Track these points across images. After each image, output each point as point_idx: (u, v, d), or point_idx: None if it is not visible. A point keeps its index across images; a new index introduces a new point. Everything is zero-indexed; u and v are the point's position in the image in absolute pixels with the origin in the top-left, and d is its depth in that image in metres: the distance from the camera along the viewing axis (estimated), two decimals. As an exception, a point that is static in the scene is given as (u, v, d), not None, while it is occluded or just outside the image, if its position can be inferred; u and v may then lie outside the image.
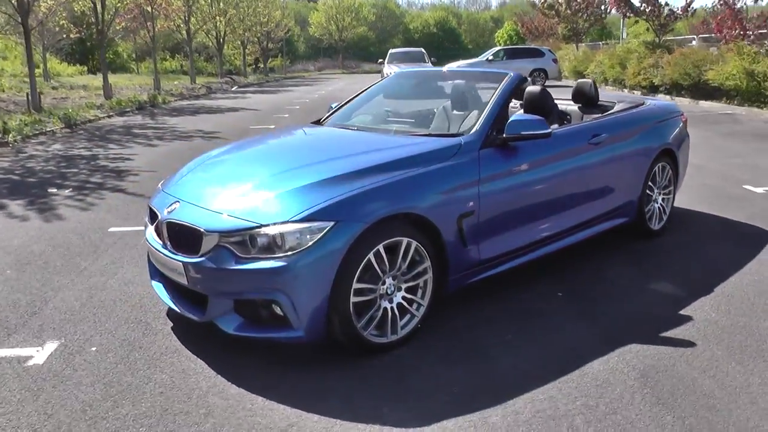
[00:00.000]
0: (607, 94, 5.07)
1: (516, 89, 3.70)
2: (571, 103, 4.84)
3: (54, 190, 6.67)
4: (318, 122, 4.41)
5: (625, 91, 20.59)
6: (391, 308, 2.93)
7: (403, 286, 2.98)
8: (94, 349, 3.09)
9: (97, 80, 21.70)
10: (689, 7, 20.92)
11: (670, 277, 3.94)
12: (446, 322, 3.27)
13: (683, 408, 2.53)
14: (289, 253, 2.63)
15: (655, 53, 19.24)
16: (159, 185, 3.68)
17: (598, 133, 3.98)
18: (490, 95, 3.73)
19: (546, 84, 24.16)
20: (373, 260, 2.79)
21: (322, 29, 51.14)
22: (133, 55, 35.14)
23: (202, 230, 2.78)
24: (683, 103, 15.81)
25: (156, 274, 3.35)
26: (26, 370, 2.91)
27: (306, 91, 23.33)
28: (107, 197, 6.31)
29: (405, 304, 2.99)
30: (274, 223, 2.67)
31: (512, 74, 3.77)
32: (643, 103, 4.73)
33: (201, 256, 2.78)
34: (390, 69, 19.82)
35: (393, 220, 2.84)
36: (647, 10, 20.90)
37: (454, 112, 3.91)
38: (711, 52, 16.22)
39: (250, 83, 29.42)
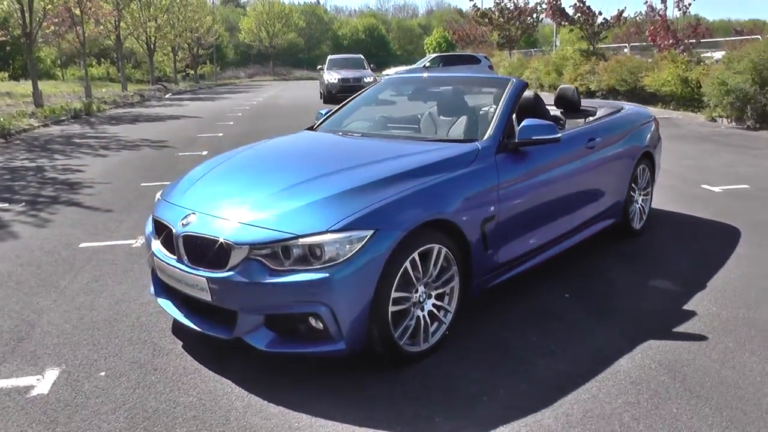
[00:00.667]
0: (585, 100, 5.19)
1: (521, 94, 3.74)
2: (554, 107, 4.96)
3: (5, 205, 6.19)
4: (311, 129, 4.30)
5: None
6: (423, 316, 2.89)
7: (433, 293, 2.94)
8: (102, 373, 2.87)
9: (20, 87, 20.44)
10: (621, 16, 22.02)
11: (663, 274, 4.08)
12: (468, 328, 3.25)
13: (716, 399, 2.62)
14: (330, 263, 2.53)
15: (591, 60, 20.11)
16: (158, 195, 3.48)
17: (593, 137, 4.09)
18: (490, 100, 3.76)
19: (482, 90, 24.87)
20: (409, 268, 2.73)
21: (252, 35, 50.28)
22: (58, 61, 33.30)
23: (230, 243, 2.64)
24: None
25: (163, 291, 3.16)
26: (31, 401, 2.66)
27: (243, 98, 22.84)
28: (66, 211, 5.91)
29: (435, 311, 2.95)
30: (312, 234, 2.57)
31: (515, 80, 3.81)
32: (622, 108, 4.91)
33: (229, 270, 2.63)
34: (330, 75, 19.71)
35: (425, 227, 2.79)
36: (581, 19, 21.82)
37: (458, 118, 3.91)
38: (646, 60, 17.12)
39: (182, 90, 28.51)
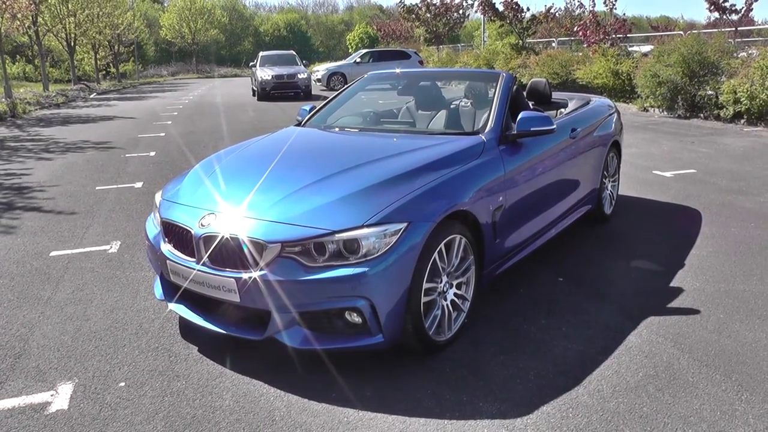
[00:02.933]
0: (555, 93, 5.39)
1: (512, 86, 3.86)
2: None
3: (-48, 215, 5.76)
4: (299, 125, 4.27)
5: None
6: (446, 305, 2.95)
7: (454, 282, 3.00)
8: (122, 384, 2.76)
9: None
10: (549, 12, 22.86)
11: (642, 255, 4.33)
12: (478, 316, 3.34)
13: (723, 367, 2.82)
14: (369, 257, 2.54)
15: (522, 54, 20.77)
16: (159, 196, 3.35)
17: (575, 127, 4.28)
18: (482, 94, 3.85)
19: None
20: (437, 259, 2.78)
21: (174, 32, 48.55)
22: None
23: (261, 241, 2.60)
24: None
25: (175, 295, 3.06)
26: (53, 418, 2.53)
27: (173, 97, 22.08)
28: (25, 218, 5.56)
29: (456, 300, 3.02)
30: (349, 229, 2.57)
31: (504, 73, 3.93)
32: (591, 100, 5.14)
33: (260, 270, 2.59)
34: (264, 72, 19.35)
35: (448, 218, 2.85)
36: (510, 15, 22.48)
37: (451, 110, 3.99)
38: (575, 54, 17.86)
39: (106, 90, 27.17)
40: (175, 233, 2.95)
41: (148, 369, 2.89)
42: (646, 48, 16.65)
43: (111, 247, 4.72)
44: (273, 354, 2.95)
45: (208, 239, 2.74)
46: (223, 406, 2.56)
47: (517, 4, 22.92)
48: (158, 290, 3.23)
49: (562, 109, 4.97)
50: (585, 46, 17.85)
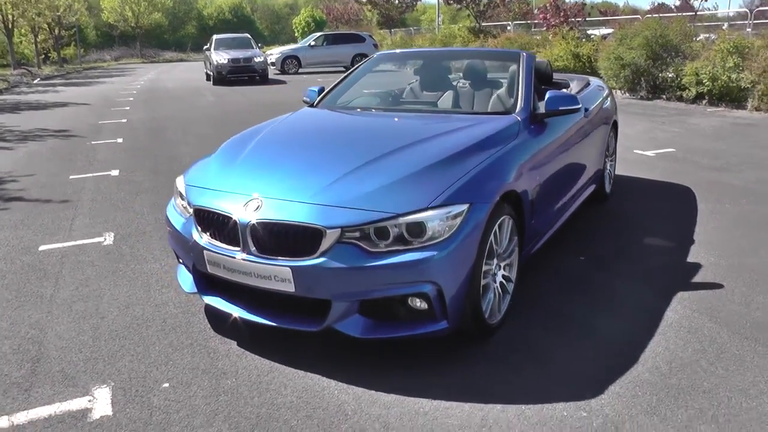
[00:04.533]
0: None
1: (533, 65, 3.83)
2: None
3: None
4: (313, 105, 4.13)
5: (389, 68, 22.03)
6: (496, 287, 2.90)
7: (502, 264, 2.96)
8: (166, 385, 2.60)
9: None
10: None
11: (651, 232, 4.40)
12: (517, 298, 3.30)
13: (762, 339, 2.88)
14: (435, 240, 2.46)
15: (480, 37, 20.88)
16: (181, 182, 3.14)
17: (588, 107, 4.29)
18: (504, 72, 3.80)
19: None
20: (492, 240, 2.73)
21: (116, 15, 46.41)
22: None
23: (320, 227, 2.47)
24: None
25: (212, 287, 2.90)
26: (99, 425, 2.35)
27: (123, 83, 21.16)
28: (0, 211, 5.20)
29: (504, 282, 2.98)
30: (413, 211, 2.48)
31: (524, 53, 3.89)
32: (589, 81, 5.17)
33: (320, 257, 2.47)
34: (219, 56, 18.75)
35: (500, 199, 2.80)
36: (467, -1, 22.58)
37: (480, 90, 3.91)
38: (533, 37, 18.08)
39: (50, 75, 25.74)
40: (212, 221, 2.77)
41: (189, 367, 2.73)
42: (606, 31, 17.02)
43: (105, 239, 4.46)
44: (318, 344, 2.84)
45: (257, 227, 2.58)
46: (286, 403, 2.44)
47: (473, -12, 23.06)
48: (187, 283, 3.05)
49: (565, 90, 4.98)
50: (544, 29, 18.09)
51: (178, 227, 2.99)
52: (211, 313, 3.18)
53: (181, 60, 42.82)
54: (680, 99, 11.18)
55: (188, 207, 2.96)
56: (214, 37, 21.09)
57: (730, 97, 10.24)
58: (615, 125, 5.19)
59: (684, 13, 15.75)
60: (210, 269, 2.79)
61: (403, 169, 2.73)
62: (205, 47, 21.97)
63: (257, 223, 2.58)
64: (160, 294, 3.51)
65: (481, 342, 2.86)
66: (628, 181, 5.80)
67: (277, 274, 2.54)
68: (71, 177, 6.41)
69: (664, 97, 11.67)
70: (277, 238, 2.55)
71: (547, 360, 2.73)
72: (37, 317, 3.27)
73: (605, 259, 3.91)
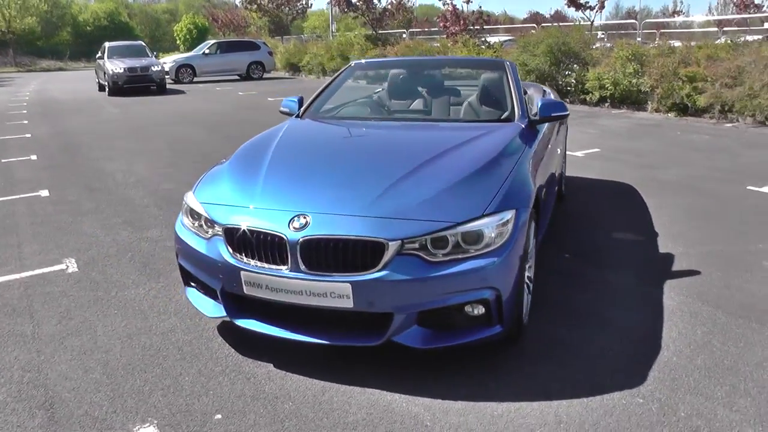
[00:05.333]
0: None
1: (518, 73, 3.99)
2: None
3: None
4: (299, 116, 4.04)
5: (348, 80, 22.20)
6: (527, 288, 3.00)
7: (526, 265, 3.06)
8: (219, 416, 2.43)
9: None
10: (401, 3, 23.56)
11: (617, 227, 4.72)
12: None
13: (753, 317, 3.19)
14: (491, 247, 2.50)
15: (377, 45, 21.20)
16: (193, 200, 2.96)
17: (555, 113, 4.53)
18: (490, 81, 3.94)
19: (263, 77, 24.62)
20: (530, 243, 2.82)
21: (-16, 18, 42.11)
22: None
23: (381, 240, 2.43)
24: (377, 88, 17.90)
25: (242, 310, 2.76)
26: (159, 466, 2.17)
27: (7, 93, 19.35)
28: None
29: (528, 282, 3.08)
30: (471, 219, 2.51)
31: (508, 61, 4.05)
32: (544, 87, 5.46)
33: (382, 270, 2.43)
34: (114, 65, 17.65)
35: None
36: (363, 6, 22.82)
37: (464, 98, 4.00)
38: (431, 44, 18.66)
39: None
40: (248, 240, 2.63)
41: (234, 395, 2.58)
42: (504, 38, 17.96)
43: (67, 266, 4.08)
44: (357, 359, 2.79)
45: (308, 243, 2.49)
46: (359, 421, 2.37)
47: (370, -4, 23.42)
48: (208, 307, 2.88)
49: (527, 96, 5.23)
50: (444, 36, 18.74)
51: (200, 249, 2.81)
52: (230, 337, 3.02)
53: (61, 69, 39.71)
54: (584, 102, 12.05)
55: (211, 226, 2.80)
56: (107, 44, 19.81)
57: (631, 99, 11.20)
58: (565, 128, 5.52)
59: (583, 23, 16.94)
60: (247, 290, 2.65)
61: (445, 179, 2.76)
62: (97, 56, 20.55)
63: (308, 239, 2.49)
64: (161, 321, 3.27)
65: (515, 342, 2.94)
66: (572, 181, 6.18)
67: (334, 290, 2.47)
68: (-6, 200, 5.78)
69: (568, 100, 12.50)
70: (334, 254, 2.48)
71: (582, 353, 2.86)
72: (27, 358, 2.93)
73: (588, 256, 4.15)
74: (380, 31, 23.81)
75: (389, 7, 23.71)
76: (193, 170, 6.87)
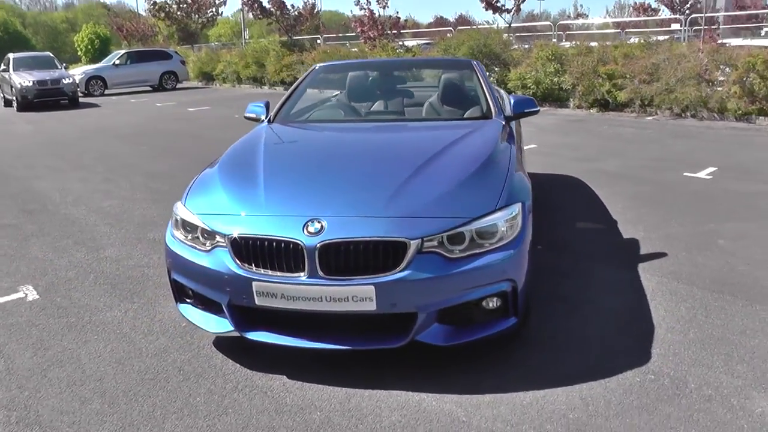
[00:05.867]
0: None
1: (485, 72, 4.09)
2: None
3: None
4: (270, 121, 3.94)
5: (265, 88, 21.91)
6: (527, 279, 3.07)
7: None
8: (245, 434, 2.33)
9: None
10: (314, 9, 23.45)
11: (578, 217, 4.93)
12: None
13: (725, 290, 3.43)
14: (505, 240, 2.55)
15: (294, 51, 20.99)
16: (186, 212, 2.81)
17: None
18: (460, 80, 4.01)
19: (177, 87, 23.79)
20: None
21: None
22: None
23: (404, 240, 2.41)
24: (334, 92, 17.90)
25: (251, 323, 2.66)
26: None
27: None
28: None
29: (525, 273, 3.16)
30: (485, 214, 2.55)
31: (474, 61, 4.14)
32: (500, 90, 5.61)
33: (405, 270, 2.41)
34: (21, 78, 16.43)
35: None
36: (277, 12, 22.54)
37: (436, 97, 4.04)
38: (350, 49, 18.74)
39: None
40: (258, 249, 2.53)
41: (257, 410, 2.47)
42: (421, 42, 18.45)
43: (26, 294, 3.76)
44: (367, 362, 2.75)
45: (326, 248, 2.43)
46: (396, 424, 2.34)
47: (282, 2, 23.15)
48: (215, 323, 2.76)
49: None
50: (361, 41, 18.87)
51: (199, 262, 2.68)
52: (231, 353, 2.90)
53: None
54: (509, 102, 12.50)
55: (210, 238, 2.67)
56: (11, 56, 18.42)
57: (553, 97, 11.74)
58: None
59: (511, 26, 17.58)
60: (259, 302, 2.55)
61: (451, 177, 2.79)
62: (1, 68, 19.06)
63: (327, 243, 2.43)
64: (149, 342, 3.09)
65: (521, 331, 2.99)
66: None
67: (356, 294, 2.42)
68: None
69: (494, 100, 12.95)
70: (355, 257, 2.44)
71: (584, 338, 2.96)
72: (7, 396, 2.67)
73: (559, 246, 4.30)
74: (295, 37, 23.61)
75: (303, 12, 23.53)
76: (132, 186, 6.54)
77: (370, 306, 2.44)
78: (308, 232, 2.47)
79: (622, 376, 2.63)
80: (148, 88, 23.30)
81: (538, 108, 3.89)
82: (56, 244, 4.66)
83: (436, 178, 2.78)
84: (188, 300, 2.91)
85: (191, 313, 2.88)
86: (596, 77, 11.05)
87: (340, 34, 24.70)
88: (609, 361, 2.74)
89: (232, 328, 2.69)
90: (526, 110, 3.79)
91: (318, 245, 2.43)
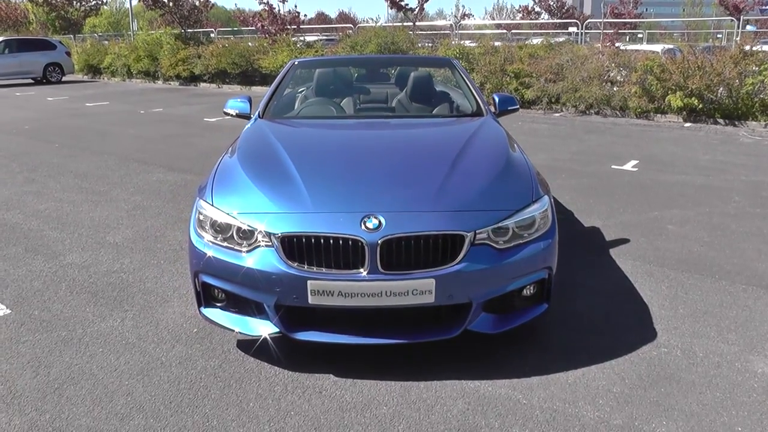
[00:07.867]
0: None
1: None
2: None
3: None
4: (261, 117, 3.85)
5: (159, 83, 20.86)
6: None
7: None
8: (318, 434, 2.31)
9: None
10: (208, 2, 22.52)
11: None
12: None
13: (694, 270, 3.84)
14: (541, 231, 2.72)
15: (189, 45, 20.10)
16: (215, 211, 2.70)
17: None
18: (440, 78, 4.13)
19: (62, 80, 21.95)
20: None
21: None
22: None
23: (461, 233, 2.49)
24: (235, 89, 17.46)
25: (299, 323, 2.62)
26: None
27: None
28: None
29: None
30: (525, 206, 2.70)
31: (454, 60, 4.28)
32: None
33: (462, 262, 2.50)
34: None
35: None
36: (170, 4, 21.42)
37: (421, 94, 4.12)
38: (248, 44, 18.30)
39: None
40: (313, 247, 2.50)
41: (320, 410, 2.44)
42: (323, 37, 18.52)
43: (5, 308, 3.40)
44: (404, 353, 2.82)
45: (387, 243, 2.46)
46: (467, 410, 2.42)
47: (176, -8, 22.04)
48: (254, 325, 2.68)
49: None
50: (261, 36, 18.48)
51: (240, 263, 2.58)
52: (263, 354, 2.82)
53: None
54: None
55: (248, 237, 2.60)
56: None
57: (466, 95, 12.24)
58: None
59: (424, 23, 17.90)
60: (313, 300, 2.52)
61: (485, 172, 2.92)
62: None
63: (388, 238, 2.46)
64: (165, 351, 2.92)
65: (532, 326, 3.14)
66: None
67: (417, 287, 2.47)
68: None
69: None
70: (415, 251, 2.48)
71: (593, 320, 3.20)
72: (26, 421, 2.44)
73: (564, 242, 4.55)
74: (189, 30, 22.58)
75: (198, 4, 22.53)
76: (62, 187, 6.04)
77: (429, 299, 2.50)
78: (367, 228, 2.48)
79: (641, 351, 2.89)
80: (30, 81, 21.31)
81: (518, 106, 4.11)
82: (5, 253, 4.22)
83: (473, 173, 2.89)
84: (217, 303, 2.80)
85: (222, 316, 2.77)
86: (504, 76, 11.66)
87: (242, 29, 24.00)
88: (623, 338, 3.00)
89: (277, 330, 2.64)
90: (509, 108, 4.00)
91: (379, 241, 2.45)
